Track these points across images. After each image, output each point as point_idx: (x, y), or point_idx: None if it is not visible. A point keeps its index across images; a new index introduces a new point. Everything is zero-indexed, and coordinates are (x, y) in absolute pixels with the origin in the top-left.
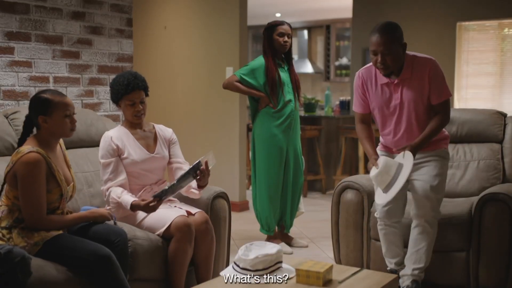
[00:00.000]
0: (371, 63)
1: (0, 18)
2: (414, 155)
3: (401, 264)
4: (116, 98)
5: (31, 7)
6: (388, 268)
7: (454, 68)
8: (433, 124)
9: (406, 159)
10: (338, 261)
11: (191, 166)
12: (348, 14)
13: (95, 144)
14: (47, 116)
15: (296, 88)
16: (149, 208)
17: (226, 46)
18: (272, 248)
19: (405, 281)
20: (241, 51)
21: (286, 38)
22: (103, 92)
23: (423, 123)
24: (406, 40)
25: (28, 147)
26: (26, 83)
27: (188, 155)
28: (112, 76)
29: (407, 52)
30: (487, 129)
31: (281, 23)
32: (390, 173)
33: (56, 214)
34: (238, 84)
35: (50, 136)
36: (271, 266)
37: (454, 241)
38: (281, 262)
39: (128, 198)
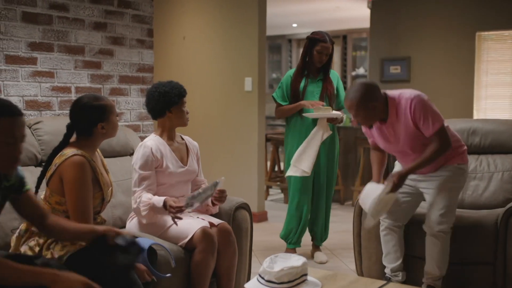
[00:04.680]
0: None
1: (24, 29)
2: (403, 181)
3: (396, 271)
4: (171, 103)
5: (54, 18)
6: (385, 275)
7: (473, 78)
8: (427, 152)
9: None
10: (360, 273)
11: (211, 184)
12: (365, 24)
13: (116, 154)
14: (105, 122)
15: (328, 99)
16: (172, 210)
17: (244, 57)
18: (297, 260)
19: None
20: (259, 62)
21: (323, 57)
22: (124, 102)
23: (421, 150)
24: (424, 50)
25: (73, 150)
26: (49, 93)
27: (206, 166)
28: (133, 86)
29: (391, 94)
30: (510, 140)
31: (324, 40)
32: (366, 202)
33: (96, 218)
34: (282, 108)
35: (100, 140)
36: (297, 279)
37: (479, 253)
38: (306, 274)
39: (159, 197)
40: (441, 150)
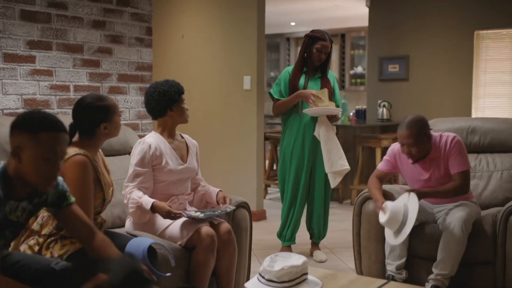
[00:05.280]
0: None
1: (22, 27)
2: (419, 199)
3: (401, 269)
4: (172, 101)
5: (52, 16)
6: (386, 274)
7: (471, 77)
8: (448, 186)
9: (411, 201)
10: (360, 272)
11: (224, 211)
12: (363, 22)
13: (115, 153)
14: (108, 122)
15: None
16: (169, 216)
17: (243, 55)
18: (297, 259)
19: (428, 285)
20: (258, 60)
21: (322, 55)
22: (123, 101)
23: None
24: (423, 49)
25: (75, 149)
26: (47, 91)
27: (205, 165)
28: (132, 85)
29: (433, 134)
30: (511, 139)
31: (324, 38)
32: (399, 219)
33: (97, 219)
34: (279, 102)
35: (103, 140)
36: (297, 278)
37: (479, 253)
38: (306, 274)
39: (148, 199)
40: (460, 190)
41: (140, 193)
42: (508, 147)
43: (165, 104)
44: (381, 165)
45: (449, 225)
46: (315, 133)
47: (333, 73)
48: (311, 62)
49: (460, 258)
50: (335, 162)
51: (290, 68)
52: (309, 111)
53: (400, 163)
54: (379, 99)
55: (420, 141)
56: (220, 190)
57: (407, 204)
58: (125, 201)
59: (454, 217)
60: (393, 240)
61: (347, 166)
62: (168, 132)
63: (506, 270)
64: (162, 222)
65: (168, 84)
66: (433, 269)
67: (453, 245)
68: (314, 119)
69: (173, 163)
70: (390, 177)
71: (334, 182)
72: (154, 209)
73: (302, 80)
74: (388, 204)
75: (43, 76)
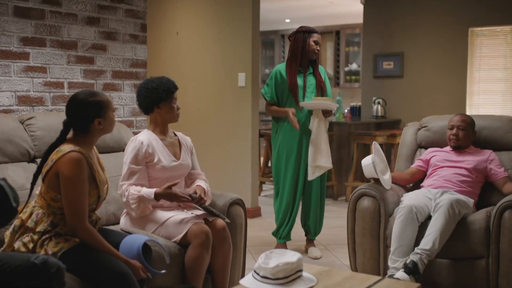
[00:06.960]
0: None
1: (16, 24)
2: None
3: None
4: (159, 99)
5: (46, 12)
6: (388, 275)
7: (466, 74)
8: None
9: (375, 152)
10: (354, 269)
11: (220, 216)
12: (357, 19)
13: (110, 150)
14: (102, 117)
15: (321, 92)
16: (176, 199)
17: (238, 52)
18: (292, 256)
19: (408, 259)
20: (253, 57)
21: (318, 47)
22: (117, 98)
23: (462, 187)
24: (418, 46)
25: (70, 146)
26: (41, 88)
27: (200, 162)
28: (127, 82)
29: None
30: (505, 136)
31: (316, 30)
32: (371, 169)
33: (91, 216)
34: (271, 107)
35: (97, 136)
36: (292, 274)
37: (473, 249)
38: (301, 270)
39: (149, 189)
40: None
41: (138, 187)
42: (502, 144)
43: (152, 101)
44: (414, 164)
45: (437, 206)
46: (310, 126)
47: (323, 68)
48: (306, 57)
49: (445, 240)
50: (320, 158)
51: (282, 67)
52: (306, 104)
53: (433, 153)
54: (374, 96)
55: (469, 129)
56: (198, 185)
57: (373, 156)
58: (124, 200)
59: (442, 198)
60: (385, 181)
61: (330, 165)
62: (160, 129)
63: (500, 265)
64: (157, 219)
65: (159, 81)
66: (421, 246)
67: (438, 222)
68: (309, 116)
69: (166, 160)
70: (417, 177)
71: (312, 175)
72: (158, 196)
73: (300, 80)
74: (362, 162)
75: (37, 73)
